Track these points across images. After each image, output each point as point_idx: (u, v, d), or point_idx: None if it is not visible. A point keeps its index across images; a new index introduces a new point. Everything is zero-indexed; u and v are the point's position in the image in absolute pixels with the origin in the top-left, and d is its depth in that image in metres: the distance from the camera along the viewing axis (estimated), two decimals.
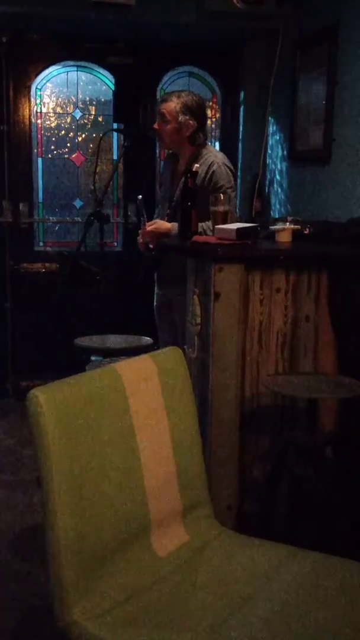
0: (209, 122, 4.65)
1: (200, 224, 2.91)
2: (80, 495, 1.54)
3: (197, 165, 3.00)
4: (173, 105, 3.16)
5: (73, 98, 4.54)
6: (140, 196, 3.29)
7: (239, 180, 4.44)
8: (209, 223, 2.90)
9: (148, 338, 3.29)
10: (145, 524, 1.70)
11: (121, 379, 1.70)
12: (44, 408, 1.49)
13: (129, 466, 1.67)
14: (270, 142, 4.48)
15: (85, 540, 1.54)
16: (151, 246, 3.24)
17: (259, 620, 1.52)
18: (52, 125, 4.56)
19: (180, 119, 3.15)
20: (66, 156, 4.59)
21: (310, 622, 1.52)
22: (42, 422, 1.49)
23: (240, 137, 4.66)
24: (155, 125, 3.25)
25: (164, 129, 3.20)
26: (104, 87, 4.56)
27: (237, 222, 3.11)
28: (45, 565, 1.55)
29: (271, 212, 4.47)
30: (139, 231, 3.32)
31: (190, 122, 3.16)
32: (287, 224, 2.82)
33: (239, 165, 4.57)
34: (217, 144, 4.69)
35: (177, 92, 3.31)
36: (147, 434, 1.73)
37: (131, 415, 1.69)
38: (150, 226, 3.17)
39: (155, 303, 3.49)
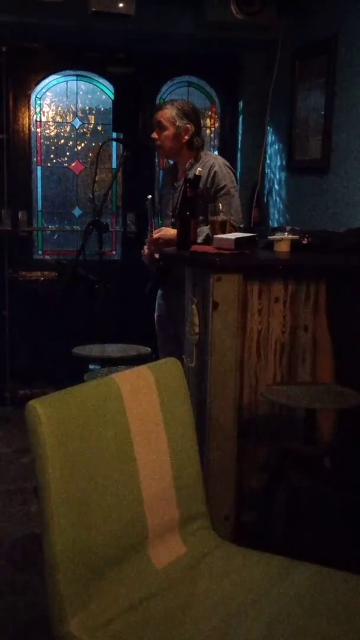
0: (208, 131, 4.67)
1: (201, 229, 2.92)
2: (78, 507, 1.53)
3: (199, 169, 3.02)
4: (169, 111, 3.18)
5: (72, 107, 4.56)
6: (150, 196, 3.27)
7: (238, 183, 4.44)
8: (204, 228, 2.91)
9: (146, 347, 3.28)
10: (143, 536, 1.69)
11: (119, 389, 1.70)
12: (42, 419, 1.49)
13: (126, 477, 1.67)
14: (269, 152, 4.49)
15: (83, 552, 1.54)
16: (157, 256, 3.22)
17: (257, 633, 1.51)
18: (52, 134, 4.57)
19: (178, 123, 3.17)
20: (65, 165, 4.60)
21: (308, 635, 1.51)
22: (40, 434, 1.49)
23: (239, 146, 4.68)
24: (154, 135, 3.26)
25: (162, 136, 3.21)
26: (104, 96, 4.57)
27: (241, 224, 3.13)
28: (42, 576, 1.55)
29: (270, 222, 4.48)
30: (145, 239, 3.29)
31: (188, 126, 3.18)
32: (286, 233, 2.82)
33: (238, 174, 4.57)
34: (215, 153, 4.69)
35: (171, 100, 3.36)
36: (145, 445, 1.72)
37: (129, 426, 1.69)
38: (156, 234, 3.16)
39: (156, 313, 3.48)
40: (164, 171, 3.62)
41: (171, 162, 3.48)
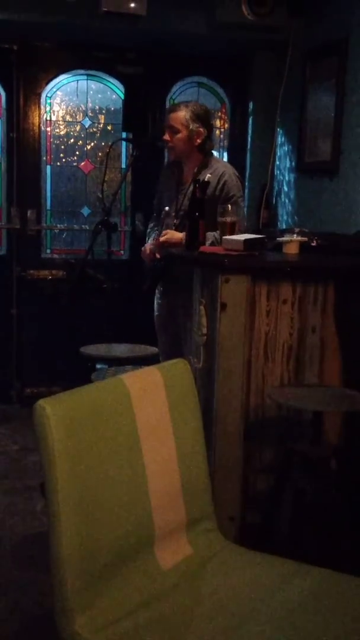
0: (217, 132, 4.67)
1: (208, 234, 2.92)
2: (85, 507, 1.54)
3: (209, 175, 3.02)
4: (183, 114, 3.18)
5: (83, 106, 4.56)
6: (167, 208, 3.29)
7: (246, 191, 4.44)
8: (216, 233, 2.91)
9: (154, 347, 3.29)
10: (150, 536, 1.69)
11: (127, 390, 1.70)
12: (50, 419, 1.49)
13: (134, 478, 1.67)
14: (278, 153, 4.49)
15: (89, 552, 1.54)
16: (158, 256, 3.25)
17: (263, 636, 1.51)
18: (62, 133, 4.58)
19: (191, 127, 3.17)
20: (75, 164, 4.61)
21: (313, 638, 1.51)
22: (48, 433, 1.49)
23: (249, 147, 4.67)
24: (166, 137, 3.26)
25: (174, 139, 3.21)
26: (114, 96, 4.58)
27: (246, 232, 3.12)
28: (47, 574, 1.55)
29: (278, 223, 4.48)
30: (149, 240, 3.31)
31: (201, 130, 3.18)
32: (295, 235, 2.82)
33: (247, 175, 4.58)
34: (225, 154, 4.70)
35: (185, 102, 3.35)
36: (152, 446, 1.72)
37: (137, 427, 1.69)
38: (163, 237, 3.17)
39: (156, 312, 3.49)
40: (162, 171, 3.62)
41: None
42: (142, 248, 3.39)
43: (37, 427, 1.51)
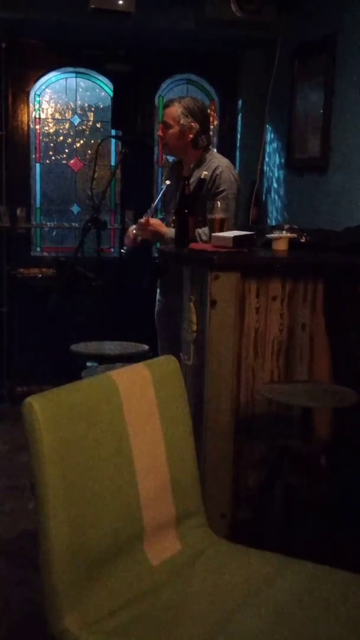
0: None
1: (196, 230, 2.92)
2: (74, 503, 1.54)
3: (205, 172, 3.02)
4: (175, 109, 3.18)
5: (71, 104, 4.55)
6: (168, 182, 3.24)
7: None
8: (205, 229, 2.91)
9: (144, 345, 3.28)
10: (139, 533, 1.69)
11: (116, 387, 1.70)
12: (39, 416, 1.49)
13: (123, 475, 1.67)
14: (267, 150, 4.50)
15: (79, 548, 1.54)
16: (139, 240, 3.23)
17: (252, 631, 1.52)
18: (51, 131, 4.57)
19: (182, 121, 3.16)
20: (64, 162, 4.60)
21: (304, 633, 1.52)
22: (37, 430, 1.49)
23: (238, 144, 4.68)
24: (159, 132, 3.27)
25: (167, 134, 3.21)
26: (103, 93, 4.57)
27: (234, 230, 3.12)
28: (38, 572, 1.55)
29: (268, 220, 4.48)
30: (139, 220, 3.25)
31: (193, 124, 3.17)
32: (284, 232, 2.82)
33: (237, 171, 4.57)
34: (214, 151, 4.69)
35: (179, 97, 3.34)
36: (141, 442, 1.72)
37: (126, 424, 1.69)
38: (153, 221, 3.15)
39: (156, 309, 3.49)
40: (169, 167, 3.61)
41: (169, 159, 3.48)
42: (130, 229, 3.36)
43: (25, 425, 1.51)
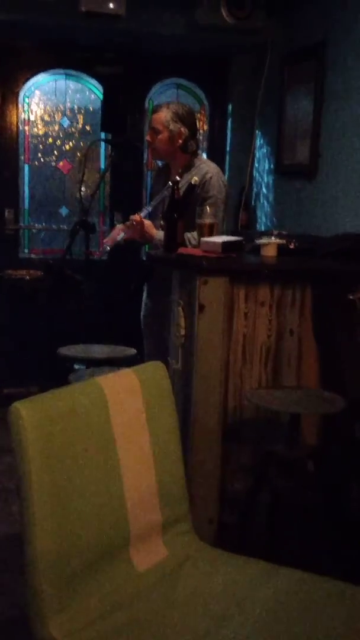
0: None
1: (185, 234, 2.91)
2: (60, 508, 1.53)
3: (195, 178, 3.02)
4: (164, 114, 3.17)
5: (61, 106, 4.54)
6: (178, 178, 3.19)
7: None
8: (194, 233, 2.91)
9: (131, 348, 3.28)
10: (125, 538, 1.69)
11: (104, 392, 1.70)
12: (25, 421, 1.48)
13: (109, 480, 1.66)
14: (257, 155, 4.51)
15: (64, 554, 1.53)
16: (122, 240, 3.20)
17: (238, 638, 1.51)
18: (40, 132, 4.55)
19: (171, 127, 3.16)
20: (53, 164, 4.59)
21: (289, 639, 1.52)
22: (23, 435, 1.48)
23: (228, 149, 4.69)
24: (148, 137, 3.26)
25: (156, 139, 3.21)
26: (93, 96, 4.56)
27: (223, 235, 3.12)
28: (21, 576, 1.54)
29: (257, 225, 4.49)
30: (132, 216, 3.21)
31: (182, 129, 3.17)
32: (273, 238, 2.83)
33: (226, 177, 4.58)
34: (204, 155, 4.70)
35: (167, 102, 3.34)
36: (128, 448, 1.72)
37: (113, 429, 1.69)
38: (146, 222, 3.13)
39: (142, 312, 3.48)
40: (156, 171, 3.60)
41: (159, 163, 3.47)
42: (118, 225, 3.32)
43: (12, 430, 1.50)
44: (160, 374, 1.87)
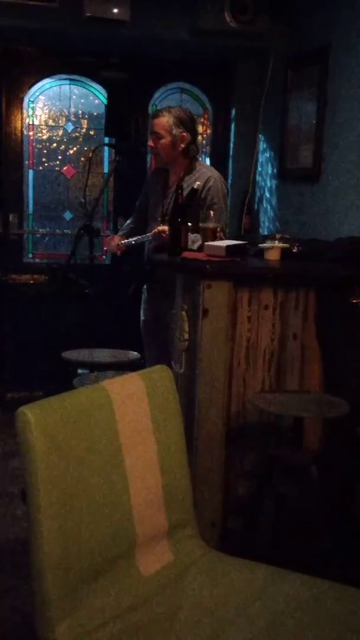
0: (200, 138, 4.69)
1: (193, 235, 2.92)
2: (66, 513, 1.53)
3: (198, 182, 3.03)
4: (166, 119, 3.18)
5: (65, 111, 4.56)
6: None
7: (229, 197, 4.46)
8: (198, 235, 2.92)
9: (135, 353, 3.29)
10: (131, 543, 1.69)
11: (110, 397, 1.70)
12: (32, 426, 1.49)
13: (115, 484, 1.67)
14: (260, 160, 4.51)
15: (71, 558, 1.53)
16: (118, 253, 3.33)
17: None
18: (44, 137, 4.57)
19: (174, 132, 3.17)
20: (57, 169, 4.60)
21: None
22: (30, 440, 1.49)
23: (231, 153, 4.70)
24: (150, 143, 3.27)
25: (158, 145, 3.22)
26: (97, 101, 4.58)
27: (227, 239, 3.12)
28: (27, 580, 1.54)
29: (260, 229, 4.50)
30: (159, 228, 3.18)
31: (184, 134, 3.19)
32: (276, 242, 2.84)
33: (229, 181, 4.60)
34: (207, 160, 4.72)
35: (168, 107, 3.34)
36: (134, 452, 1.72)
37: (119, 434, 1.69)
38: (161, 228, 3.09)
39: (142, 318, 3.49)
40: (151, 173, 3.61)
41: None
42: (109, 237, 3.35)
43: (19, 434, 1.50)
44: (167, 379, 1.87)
